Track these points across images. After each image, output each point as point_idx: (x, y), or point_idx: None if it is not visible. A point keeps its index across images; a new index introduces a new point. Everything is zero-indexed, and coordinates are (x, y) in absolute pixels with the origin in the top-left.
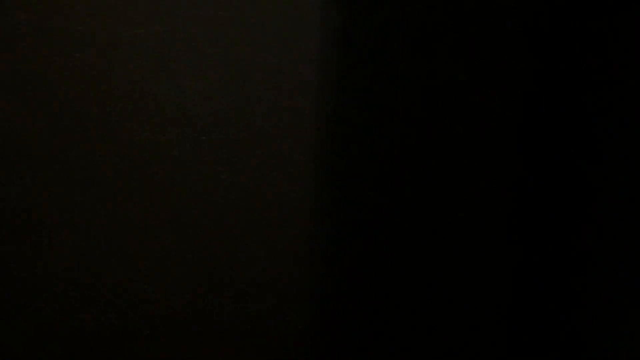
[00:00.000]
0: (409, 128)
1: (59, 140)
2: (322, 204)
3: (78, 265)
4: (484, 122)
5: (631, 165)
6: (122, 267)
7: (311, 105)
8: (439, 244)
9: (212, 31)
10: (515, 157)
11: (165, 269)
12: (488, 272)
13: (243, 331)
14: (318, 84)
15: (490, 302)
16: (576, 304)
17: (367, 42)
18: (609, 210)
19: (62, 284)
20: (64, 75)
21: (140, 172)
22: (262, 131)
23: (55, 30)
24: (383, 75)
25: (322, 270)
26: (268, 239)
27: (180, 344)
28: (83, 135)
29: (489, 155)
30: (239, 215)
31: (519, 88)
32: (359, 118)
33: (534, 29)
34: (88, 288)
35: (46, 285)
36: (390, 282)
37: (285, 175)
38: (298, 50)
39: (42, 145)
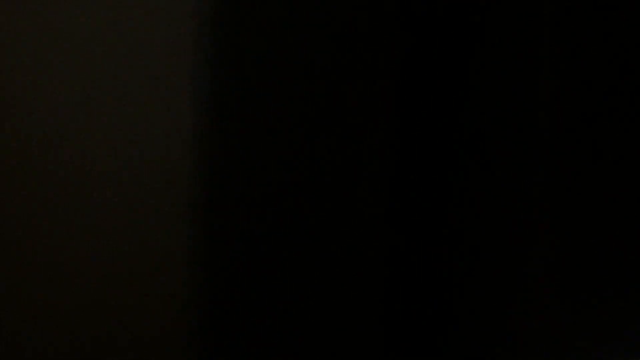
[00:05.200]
0: (287, 128)
1: None
2: (199, 205)
3: None
4: (358, 123)
5: (508, 162)
6: None
7: (188, 105)
8: (315, 245)
9: (82, 32)
10: (392, 157)
11: (30, 275)
12: (367, 271)
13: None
14: (194, 83)
15: (369, 300)
16: (452, 302)
17: (245, 38)
18: (486, 209)
19: None
20: None
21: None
22: (135, 132)
23: None
24: (261, 74)
25: (200, 274)
26: (141, 242)
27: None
28: None
29: (365, 155)
30: (109, 219)
31: (393, 90)
32: (237, 116)
33: (407, 33)
34: None
35: None
36: (272, 284)
37: (161, 178)
38: (173, 48)
39: None
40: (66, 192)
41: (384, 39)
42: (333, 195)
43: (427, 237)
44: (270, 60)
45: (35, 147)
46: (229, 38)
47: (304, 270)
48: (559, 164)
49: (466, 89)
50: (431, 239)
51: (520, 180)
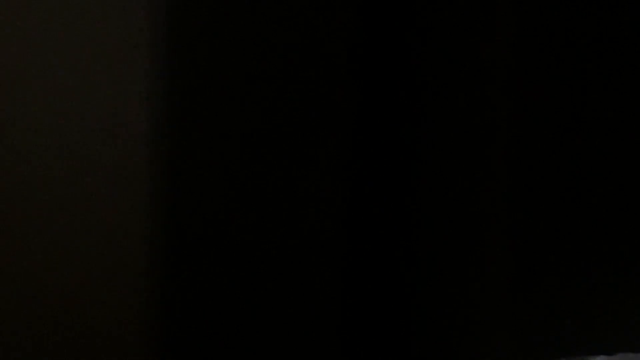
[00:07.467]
0: (244, 131)
1: None
2: (157, 209)
3: None
4: (316, 128)
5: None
6: None
7: (142, 108)
8: (273, 246)
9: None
10: (348, 165)
11: None
12: (322, 273)
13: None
14: (149, 87)
15: (325, 302)
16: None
17: (201, 37)
18: (442, 210)
19: None
20: None
21: None
22: (91, 135)
23: None
24: (218, 72)
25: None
26: (100, 245)
27: None
28: None
29: (322, 158)
30: (68, 222)
31: (351, 89)
32: (194, 120)
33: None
34: None
35: None
36: (229, 286)
37: (117, 182)
38: (128, 46)
39: None
40: (20, 194)
41: (342, 37)
42: (290, 196)
43: (385, 236)
44: (228, 59)
45: None
46: (186, 38)
47: (262, 270)
48: (519, 159)
49: (423, 86)
50: (389, 239)
51: (480, 177)
